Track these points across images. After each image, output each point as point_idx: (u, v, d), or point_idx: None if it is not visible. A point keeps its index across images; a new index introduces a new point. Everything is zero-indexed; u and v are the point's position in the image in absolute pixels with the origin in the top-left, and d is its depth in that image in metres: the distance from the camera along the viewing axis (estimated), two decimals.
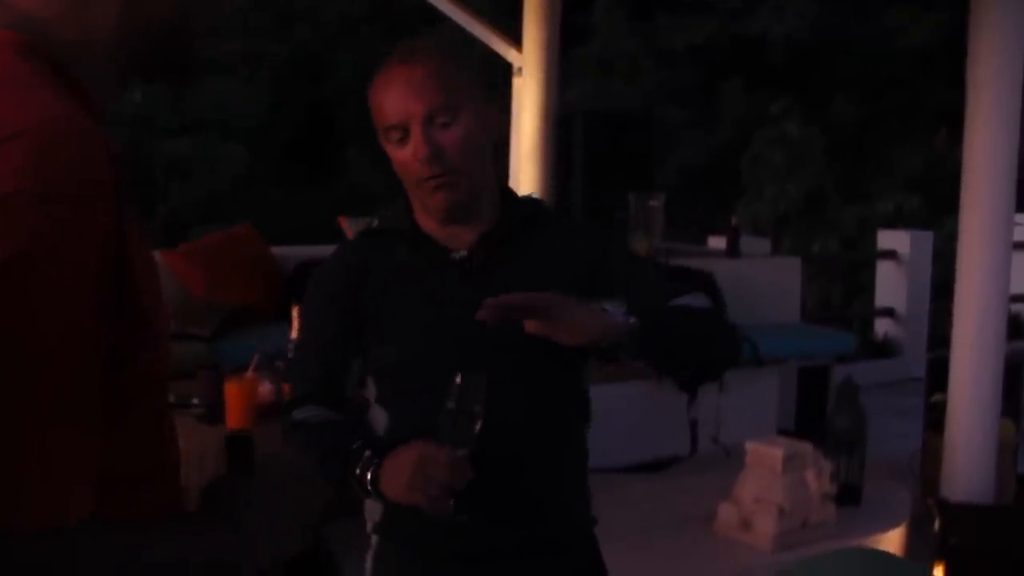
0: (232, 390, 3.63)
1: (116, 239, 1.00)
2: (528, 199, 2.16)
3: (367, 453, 1.88)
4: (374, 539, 2.08)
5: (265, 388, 3.73)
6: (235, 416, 3.62)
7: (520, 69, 6.84)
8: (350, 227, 5.79)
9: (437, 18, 7.21)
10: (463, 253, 1.97)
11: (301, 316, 2.11)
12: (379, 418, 2.03)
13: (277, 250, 6.27)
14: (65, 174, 0.95)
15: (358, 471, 1.87)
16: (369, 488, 1.86)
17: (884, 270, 8.66)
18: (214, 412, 3.66)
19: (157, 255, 5.86)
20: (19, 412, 0.93)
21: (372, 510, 2.06)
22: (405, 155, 1.89)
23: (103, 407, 1.01)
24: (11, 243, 0.92)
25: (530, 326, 1.79)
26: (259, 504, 1.16)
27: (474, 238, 1.97)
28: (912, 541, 4.38)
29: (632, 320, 1.81)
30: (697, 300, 2.00)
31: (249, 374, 3.70)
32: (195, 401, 3.74)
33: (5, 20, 1.07)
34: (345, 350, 2.01)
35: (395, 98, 1.87)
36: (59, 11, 1.08)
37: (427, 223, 1.99)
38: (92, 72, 1.10)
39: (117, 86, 1.15)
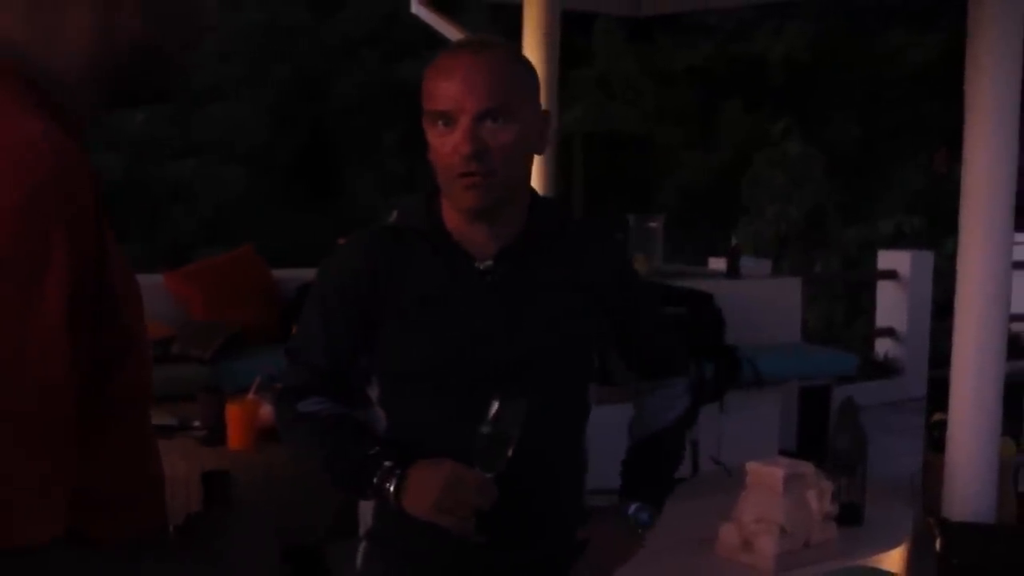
0: (233, 412, 3.64)
1: (95, 255, 1.00)
2: (553, 205, 2.13)
3: (387, 463, 1.85)
4: (364, 544, 2.06)
5: (266, 410, 3.74)
6: (236, 438, 3.63)
7: None
8: None
9: (437, 42, 7.22)
10: (488, 263, 1.91)
11: (309, 303, 2.01)
12: (379, 420, 1.98)
13: (278, 273, 6.28)
14: (41, 190, 0.95)
15: (376, 480, 1.85)
16: (392, 500, 1.84)
17: (885, 290, 8.66)
18: (215, 434, 3.67)
19: (159, 277, 5.89)
20: None
21: (364, 515, 2.04)
22: (445, 145, 1.82)
23: (82, 425, 0.99)
24: None
25: None
26: (239, 537, 1.15)
27: (499, 245, 1.91)
28: (914, 560, 4.37)
29: (649, 516, 2.19)
30: (676, 403, 2.17)
31: (250, 396, 3.70)
32: (196, 423, 3.75)
33: None
34: (355, 346, 1.95)
35: (452, 86, 1.80)
36: (29, 36, 1.08)
37: (452, 220, 1.92)
38: (69, 95, 1.10)
39: (97, 110, 1.15)
